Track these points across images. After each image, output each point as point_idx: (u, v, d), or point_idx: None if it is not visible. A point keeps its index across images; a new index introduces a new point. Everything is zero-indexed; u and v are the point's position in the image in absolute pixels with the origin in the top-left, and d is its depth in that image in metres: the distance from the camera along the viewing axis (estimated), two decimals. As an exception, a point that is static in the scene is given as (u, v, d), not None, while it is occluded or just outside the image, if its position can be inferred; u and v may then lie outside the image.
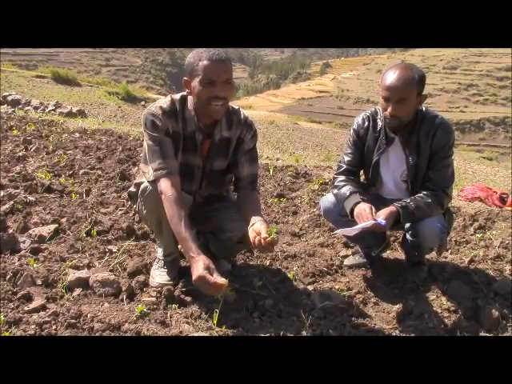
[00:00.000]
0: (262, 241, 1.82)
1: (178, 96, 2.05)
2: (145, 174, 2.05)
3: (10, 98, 10.56)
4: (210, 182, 2.19)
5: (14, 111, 8.07)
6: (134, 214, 2.99)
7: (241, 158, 2.15)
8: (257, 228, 1.89)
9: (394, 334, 1.97)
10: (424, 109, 2.28)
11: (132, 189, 2.26)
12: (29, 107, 10.07)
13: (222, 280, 1.72)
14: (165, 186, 1.91)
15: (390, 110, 2.12)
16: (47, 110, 9.91)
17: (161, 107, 1.98)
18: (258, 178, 2.37)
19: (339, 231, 2.19)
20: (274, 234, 1.83)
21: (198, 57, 1.89)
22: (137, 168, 4.15)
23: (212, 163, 2.14)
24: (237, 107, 2.17)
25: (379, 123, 2.32)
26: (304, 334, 1.88)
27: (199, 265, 1.74)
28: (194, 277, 1.74)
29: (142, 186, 2.06)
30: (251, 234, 1.90)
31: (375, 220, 2.05)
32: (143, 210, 2.11)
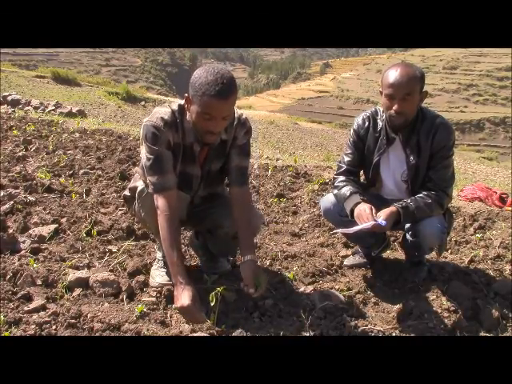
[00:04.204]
0: (251, 294, 1.89)
1: (175, 107, 2.01)
2: (143, 180, 2.06)
3: (9, 98, 10.56)
4: (207, 183, 2.20)
5: (13, 111, 8.07)
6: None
7: (231, 151, 2.13)
8: (244, 275, 1.93)
9: (394, 334, 1.97)
10: (424, 109, 2.28)
11: (126, 193, 2.25)
12: (29, 107, 10.07)
13: (203, 317, 1.82)
14: (161, 202, 1.91)
15: (395, 107, 2.12)
16: (47, 110, 9.90)
17: (162, 118, 1.94)
18: (258, 178, 2.37)
19: (339, 230, 2.19)
20: (261, 285, 1.90)
21: (203, 86, 1.79)
22: (136, 169, 4.15)
23: (210, 166, 2.14)
24: None
25: (379, 123, 2.32)
26: (304, 334, 1.88)
27: (186, 294, 1.78)
28: (179, 304, 1.78)
29: (139, 189, 2.06)
30: (242, 275, 1.95)
31: (375, 220, 2.05)
32: (141, 213, 2.10)
